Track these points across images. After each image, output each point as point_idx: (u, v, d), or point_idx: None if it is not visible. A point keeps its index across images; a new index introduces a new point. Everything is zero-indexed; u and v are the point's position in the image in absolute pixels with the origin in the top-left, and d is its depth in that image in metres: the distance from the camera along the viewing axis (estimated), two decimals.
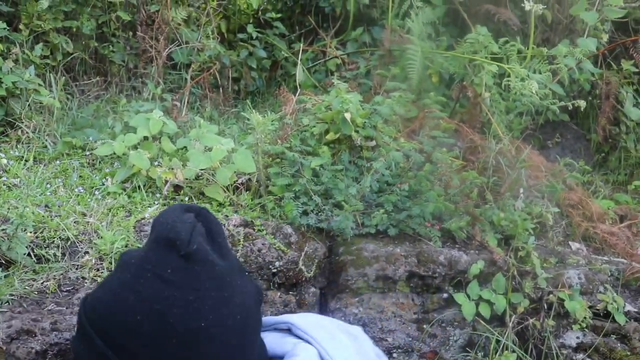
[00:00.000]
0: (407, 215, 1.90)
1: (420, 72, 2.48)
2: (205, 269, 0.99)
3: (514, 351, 1.96)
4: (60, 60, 2.51)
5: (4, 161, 2.01)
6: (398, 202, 1.92)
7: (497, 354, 1.96)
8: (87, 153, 2.16)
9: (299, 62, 2.53)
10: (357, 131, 1.98)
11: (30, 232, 1.65)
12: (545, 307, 2.03)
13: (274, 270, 1.69)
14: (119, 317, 0.99)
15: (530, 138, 2.78)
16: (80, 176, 2.00)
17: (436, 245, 1.92)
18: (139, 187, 1.87)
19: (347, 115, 1.92)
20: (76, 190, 1.91)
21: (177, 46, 2.65)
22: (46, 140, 2.24)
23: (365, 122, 2.02)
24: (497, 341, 1.97)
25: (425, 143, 2.07)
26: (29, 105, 2.29)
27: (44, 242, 1.65)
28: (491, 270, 2.01)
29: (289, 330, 1.20)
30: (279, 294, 1.71)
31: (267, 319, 1.26)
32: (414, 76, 2.42)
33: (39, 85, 2.30)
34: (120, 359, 0.99)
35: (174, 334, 0.97)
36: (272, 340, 1.19)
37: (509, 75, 2.45)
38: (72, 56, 2.55)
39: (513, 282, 2.02)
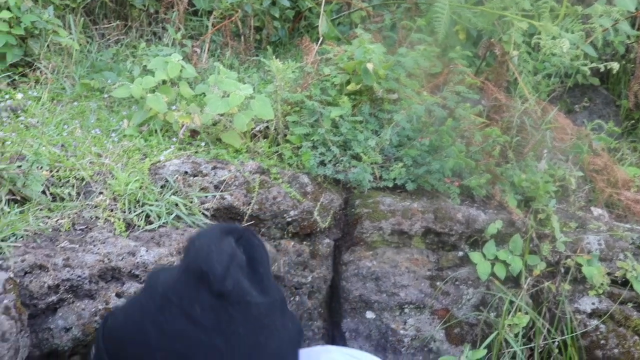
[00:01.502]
0: (426, 171, 1.86)
1: (446, 26, 2.40)
2: (241, 311, 0.88)
3: (527, 313, 1.93)
4: (79, 2, 2.47)
5: (19, 96, 2.00)
6: (418, 157, 1.87)
7: (510, 315, 1.94)
8: (105, 95, 2.14)
9: (322, 12, 2.45)
10: (379, 83, 1.92)
11: (46, 171, 1.65)
12: (562, 271, 1.99)
13: (289, 219, 1.67)
14: (136, 349, 0.89)
15: (557, 101, 2.70)
16: (97, 118, 1.99)
17: (454, 202, 1.88)
18: (156, 130, 1.85)
19: (370, 66, 1.87)
20: (93, 131, 1.89)
21: None
22: (64, 81, 2.22)
23: (387, 74, 1.97)
24: (511, 302, 1.95)
25: (448, 98, 2.01)
26: (47, 46, 2.26)
27: (59, 181, 1.64)
28: (509, 231, 1.97)
29: None
30: (292, 243, 1.69)
31: (302, 354, 1.13)
32: (440, 30, 2.34)
33: (58, 26, 2.27)
34: None
35: None
36: None
37: (539, 34, 2.36)
38: None
39: (530, 245, 1.98)
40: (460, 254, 1.94)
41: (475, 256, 1.93)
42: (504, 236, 1.97)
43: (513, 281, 1.99)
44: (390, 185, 1.85)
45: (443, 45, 2.42)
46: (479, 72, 2.48)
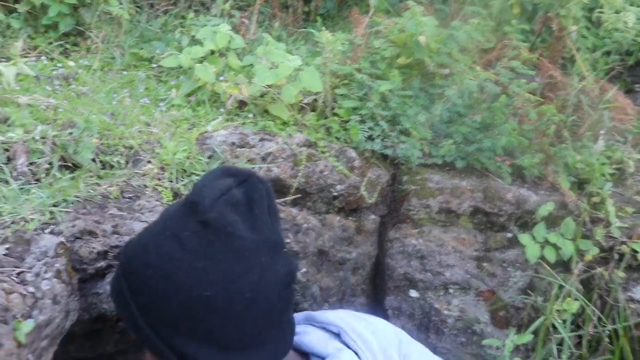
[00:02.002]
0: (477, 148, 1.81)
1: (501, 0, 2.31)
2: (220, 239, 0.97)
3: (577, 299, 1.87)
4: None
5: (71, 64, 2.02)
6: (468, 134, 1.82)
7: (559, 300, 1.88)
8: (154, 65, 2.14)
9: None
10: (430, 57, 1.86)
11: (96, 138, 1.66)
12: (616, 257, 1.92)
13: (335, 194, 1.65)
14: (136, 265, 1.03)
15: (616, 80, 2.58)
16: (146, 87, 2.00)
17: (506, 181, 1.82)
18: (204, 101, 1.84)
19: (422, 39, 1.81)
20: (141, 100, 1.90)
21: None
22: (114, 50, 2.24)
23: (439, 47, 1.90)
24: (560, 287, 1.89)
25: (502, 74, 1.94)
26: (98, 15, 2.28)
27: (109, 149, 1.66)
28: (561, 213, 1.91)
29: (338, 335, 1.17)
30: (338, 218, 1.68)
31: (319, 316, 1.23)
32: (495, 3, 2.25)
33: None
34: (133, 303, 1.02)
35: (175, 296, 0.98)
36: (316, 338, 1.17)
37: (601, 7, 2.24)
38: None
39: (583, 229, 1.91)
40: (509, 235, 1.89)
41: (524, 238, 1.87)
42: (555, 219, 1.90)
43: (563, 266, 1.93)
44: (439, 162, 1.81)
45: (497, 19, 2.33)
46: (533, 47, 2.38)
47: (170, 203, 1.49)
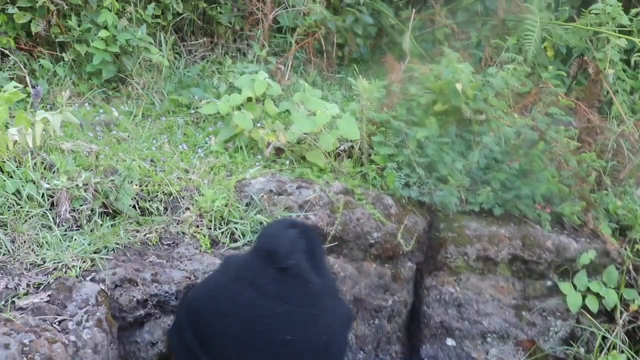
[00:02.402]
0: (515, 195, 1.78)
1: (537, 44, 2.31)
2: (299, 285, 1.02)
3: (622, 352, 1.81)
4: (170, 20, 2.55)
5: (114, 111, 2.08)
6: (506, 181, 1.80)
7: (603, 352, 1.82)
8: (192, 111, 2.19)
9: (408, 29, 2.42)
10: (466, 103, 1.86)
11: (136, 185, 1.69)
12: None
13: (372, 241, 1.64)
14: (210, 316, 1.04)
15: None
16: (184, 133, 2.04)
17: (545, 229, 1.79)
18: (241, 147, 1.87)
19: (459, 86, 1.82)
20: (180, 147, 1.94)
21: (284, 9, 2.62)
22: (154, 97, 2.30)
23: (476, 94, 1.91)
24: (604, 338, 1.83)
25: (539, 120, 1.92)
26: (139, 62, 2.35)
27: (148, 195, 1.68)
28: (602, 261, 1.86)
29: None
30: (374, 265, 1.66)
31: None
32: (530, 49, 2.25)
33: (150, 43, 2.35)
34: (206, 355, 1.03)
35: (259, 342, 1.00)
36: None
37: (638, 51, 2.23)
38: (181, 16, 2.59)
39: (627, 277, 1.86)
40: (549, 283, 1.85)
41: (565, 287, 1.83)
42: (597, 267, 1.86)
43: (606, 315, 1.87)
44: (477, 209, 1.79)
45: (531, 64, 2.33)
46: (569, 90, 2.37)
47: (207, 251, 1.50)
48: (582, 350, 1.86)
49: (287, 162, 1.81)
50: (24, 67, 2.16)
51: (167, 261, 1.43)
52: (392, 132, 1.82)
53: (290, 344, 0.99)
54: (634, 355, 1.81)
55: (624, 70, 2.31)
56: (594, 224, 1.91)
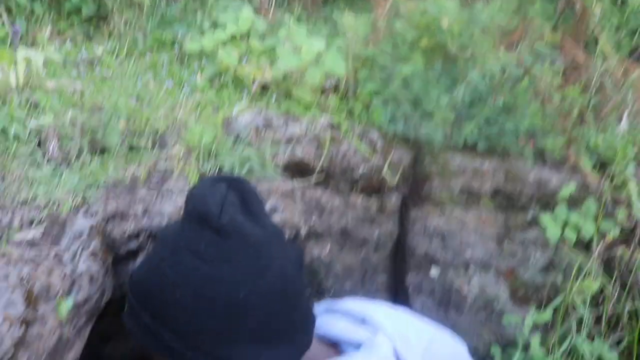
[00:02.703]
0: (499, 130, 1.81)
1: None
2: (238, 242, 0.99)
3: (597, 279, 1.89)
4: None
5: (96, 49, 2.05)
6: (490, 116, 1.83)
7: (579, 279, 1.90)
8: (176, 48, 2.16)
9: None
10: (452, 39, 1.86)
11: (123, 122, 1.70)
12: (638, 238, 1.93)
13: (358, 175, 1.67)
14: (160, 291, 1.02)
15: None
16: (169, 71, 2.02)
17: (528, 163, 1.83)
18: (227, 84, 1.87)
19: (444, 22, 1.81)
20: (165, 84, 1.93)
21: None
22: (137, 34, 2.26)
23: (462, 30, 1.90)
24: (580, 267, 1.91)
25: (524, 56, 1.93)
26: (119, 0, 2.30)
27: (135, 132, 1.69)
28: (582, 194, 1.91)
29: (362, 322, 1.19)
30: (360, 198, 1.70)
31: (340, 305, 1.26)
32: None
33: None
34: (166, 331, 1.01)
35: (214, 306, 0.98)
36: (345, 327, 1.19)
37: None
38: None
39: (605, 210, 1.92)
40: (530, 215, 1.91)
41: (545, 218, 1.89)
42: (576, 200, 1.91)
43: (584, 246, 1.94)
44: (461, 144, 1.82)
45: (518, 1, 2.31)
46: (555, 28, 2.37)
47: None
48: (559, 278, 1.94)
49: (273, 98, 1.82)
50: None
51: (157, 195, 1.45)
52: (378, 68, 1.82)
53: (244, 301, 0.98)
54: (608, 281, 1.89)
55: (611, 7, 2.30)
56: (575, 159, 1.95)
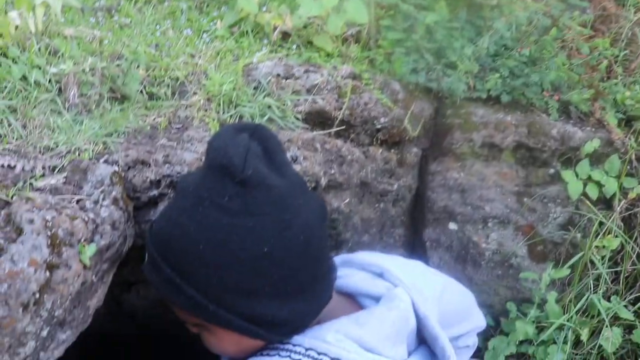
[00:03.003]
0: (524, 83, 1.77)
1: None
2: (263, 193, 0.96)
3: (617, 236, 1.87)
4: None
5: None
6: (515, 68, 1.78)
7: (598, 237, 1.89)
8: None
9: None
10: None
11: (143, 70, 1.68)
12: None
13: (378, 126, 1.65)
14: (181, 245, 0.99)
15: None
16: (188, 19, 1.99)
17: (552, 116, 1.79)
18: (247, 32, 1.84)
19: None
20: (185, 32, 1.90)
21: None
22: None
23: None
24: (600, 224, 1.89)
25: (552, 5, 1.87)
26: None
27: (155, 80, 1.68)
28: (606, 150, 1.88)
29: (380, 275, 1.18)
30: (380, 150, 1.69)
31: (356, 258, 1.24)
32: None
33: None
34: (188, 285, 0.99)
35: (237, 261, 0.96)
36: (362, 279, 1.17)
37: None
38: None
39: (628, 167, 1.89)
40: (552, 171, 1.88)
41: (567, 174, 1.86)
42: (600, 156, 1.88)
43: (605, 203, 1.92)
44: (484, 96, 1.79)
45: None
46: None
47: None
48: (578, 235, 1.92)
49: (294, 46, 1.79)
50: None
51: (177, 144, 1.45)
52: (401, 16, 1.78)
53: (269, 254, 0.96)
54: (628, 239, 1.88)
55: None
56: (600, 114, 1.91)
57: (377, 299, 1.13)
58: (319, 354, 1.01)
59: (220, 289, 0.98)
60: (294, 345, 1.03)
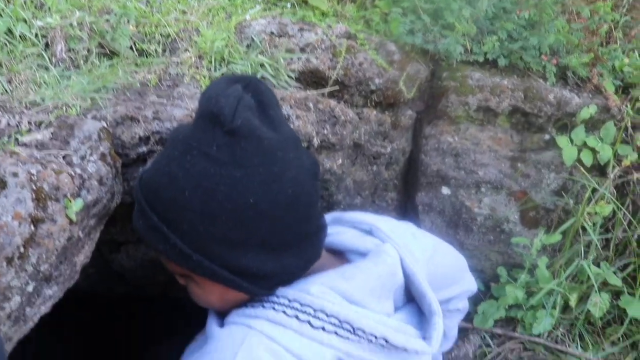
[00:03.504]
0: (522, 46, 1.74)
1: None
2: (252, 144, 0.96)
3: (609, 202, 1.87)
4: None
5: None
6: (513, 31, 1.75)
7: (591, 203, 1.88)
8: None
9: None
10: None
11: (132, 26, 1.64)
12: None
13: (373, 88, 1.62)
14: (169, 193, 0.99)
15: None
16: None
17: (550, 81, 1.77)
18: None
19: None
20: None
21: None
22: None
23: None
24: (594, 191, 1.89)
25: None
26: None
27: (145, 36, 1.64)
28: (602, 117, 1.87)
29: (369, 232, 1.18)
30: (375, 112, 1.66)
31: (347, 216, 1.24)
32: None
33: None
34: (174, 233, 0.99)
35: (223, 211, 0.96)
36: (352, 236, 1.18)
37: None
38: None
39: (624, 134, 1.87)
40: (547, 137, 1.87)
41: (562, 140, 1.85)
42: (596, 122, 1.86)
43: (599, 170, 1.91)
44: (481, 59, 1.75)
45: None
46: None
47: None
48: (571, 202, 1.92)
49: (289, 5, 1.74)
50: None
51: (167, 100, 1.42)
52: None
53: (254, 206, 0.96)
54: (620, 206, 1.88)
55: None
56: (598, 80, 1.89)
57: (365, 255, 1.13)
58: (303, 305, 1.01)
59: (205, 239, 0.98)
60: (278, 296, 1.04)
